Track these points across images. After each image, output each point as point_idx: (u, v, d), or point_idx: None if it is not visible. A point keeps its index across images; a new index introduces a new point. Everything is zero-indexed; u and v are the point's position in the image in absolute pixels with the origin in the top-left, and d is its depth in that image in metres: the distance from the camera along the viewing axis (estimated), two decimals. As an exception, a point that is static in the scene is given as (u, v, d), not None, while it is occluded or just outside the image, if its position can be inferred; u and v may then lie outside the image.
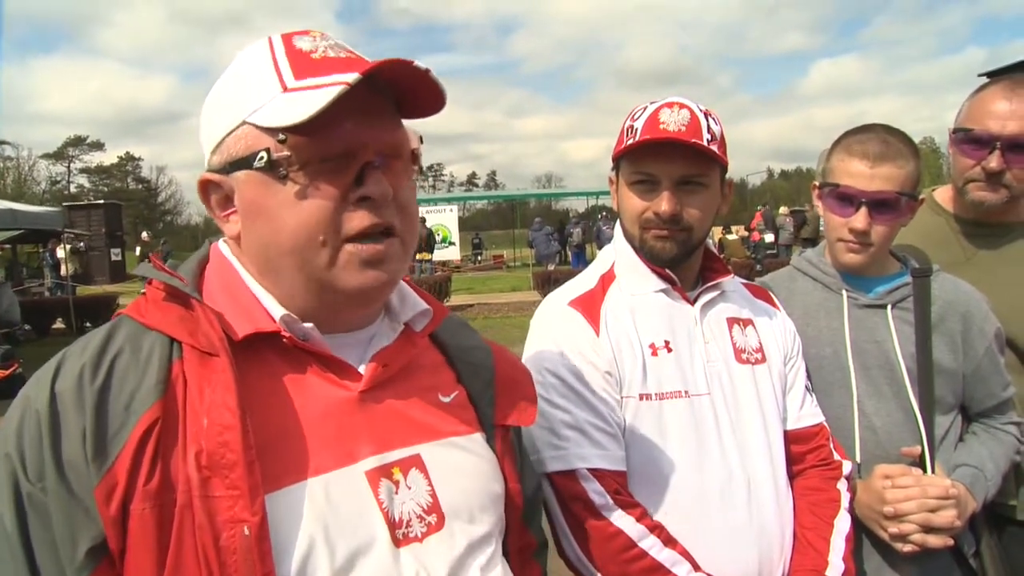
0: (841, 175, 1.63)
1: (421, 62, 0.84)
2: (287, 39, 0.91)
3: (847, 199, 1.62)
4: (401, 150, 0.91)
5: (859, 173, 1.60)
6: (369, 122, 0.87)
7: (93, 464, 0.76)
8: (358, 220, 0.86)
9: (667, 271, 1.46)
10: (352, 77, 0.80)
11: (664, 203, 1.39)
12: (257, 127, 0.86)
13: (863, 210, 1.60)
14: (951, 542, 1.52)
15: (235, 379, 0.81)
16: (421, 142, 0.94)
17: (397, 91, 0.90)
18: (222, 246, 0.97)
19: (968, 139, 1.86)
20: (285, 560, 0.80)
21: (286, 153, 0.83)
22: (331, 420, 0.89)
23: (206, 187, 0.92)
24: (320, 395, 0.90)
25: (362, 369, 0.94)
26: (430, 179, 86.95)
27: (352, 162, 0.86)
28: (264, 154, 0.84)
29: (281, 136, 0.83)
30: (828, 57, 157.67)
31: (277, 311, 0.89)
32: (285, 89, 0.86)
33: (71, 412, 0.78)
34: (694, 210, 1.42)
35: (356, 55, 0.91)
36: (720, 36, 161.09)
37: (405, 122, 0.94)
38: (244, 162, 0.86)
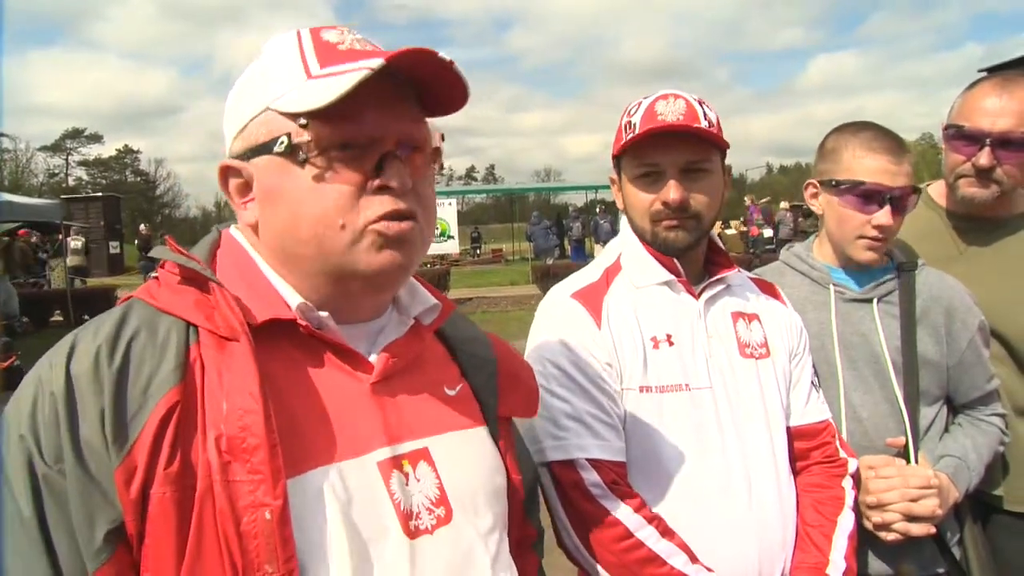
0: (862, 172, 1.62)
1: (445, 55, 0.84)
2: (315, 32, 0.91)
3: (873, 196, 1.62)
4: (423, 144, 0.91)
5: (885, 170, 1.60)
6: (391, 113, 0.87)
7: (113, 446, 0.75)
8: (378, 205, 0.86)
9: (674, 263, 1.47)
10: (376, 62, 0.80)
11: (672, 191, 1.40)
12: (280, 113, 0.86)
13: (888, 206, 1.61)
14: (933, 530, 1.55)
15: (256, 363, 0.80)
16: (443, 140, 0.94)
17: (420, 86, 0.90)
18: (234, 232, 0.96)
19: (959, 135, 1.88)
20: (305, 545, 0.79)
21: (307, 137, 0.83)
22: (345, 409, 0.89)
23: (226, 173, 0.91)
24: (334, 384, 0.90)
25: (372, 360, 0.94)
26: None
27: (372, 151, 0.86)
28: (285, 138, 0.84)
29: (303, 121, 0.83)
30: (826, 52, 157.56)
31: (294, 299, 0.89)
32: (310, 76, 0.86)
33: (88, 394, 0.77)
34: (701, 196, 1.43)
35: (382, 49, 0.92)
36: (717, 31, 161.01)
37: (428, 120, 0.93)
38: (264, 147, 0.86)
